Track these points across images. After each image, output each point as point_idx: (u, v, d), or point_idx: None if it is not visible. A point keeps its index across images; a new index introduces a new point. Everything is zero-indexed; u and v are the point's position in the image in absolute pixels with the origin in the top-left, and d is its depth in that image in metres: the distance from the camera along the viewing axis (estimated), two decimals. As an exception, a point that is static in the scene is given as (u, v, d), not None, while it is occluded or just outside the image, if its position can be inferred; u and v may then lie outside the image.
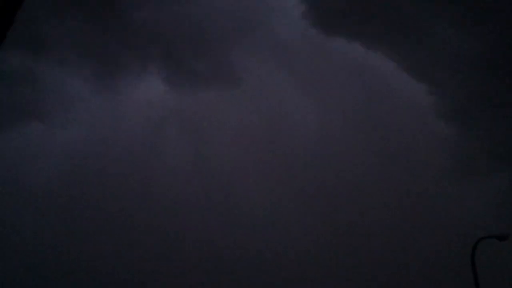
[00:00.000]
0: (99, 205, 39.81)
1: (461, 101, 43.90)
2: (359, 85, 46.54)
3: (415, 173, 42.48)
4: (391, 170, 42.48)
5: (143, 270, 36.38)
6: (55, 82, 46.36)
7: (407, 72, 44.96)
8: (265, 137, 45.50)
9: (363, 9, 43.03)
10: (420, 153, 43.71)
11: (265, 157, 45.04)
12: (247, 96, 46.51)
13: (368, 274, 35.06)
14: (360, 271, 35.67)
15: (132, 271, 36.01)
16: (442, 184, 41.28)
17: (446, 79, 44.53)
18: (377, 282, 33.85)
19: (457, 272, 27.09)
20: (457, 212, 38.51)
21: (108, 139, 44.67)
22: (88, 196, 40.49)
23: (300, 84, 48.19)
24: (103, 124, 45.86)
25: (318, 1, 44.88)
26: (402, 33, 43.79)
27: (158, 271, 36.61)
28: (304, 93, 47.63)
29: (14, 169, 41.78)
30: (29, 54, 44.80)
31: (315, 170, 43.29)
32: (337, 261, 37.45)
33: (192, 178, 43.73)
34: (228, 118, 46.57)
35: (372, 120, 45.07)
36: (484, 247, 20.64)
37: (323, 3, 44.54)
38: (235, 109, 46.66)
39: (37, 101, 45.22)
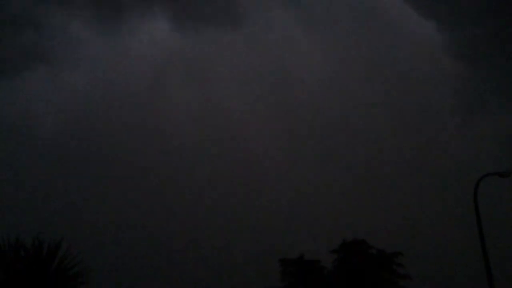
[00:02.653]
0: (105, 147, 40.05)
1: (472, 38, 43.00)
2: (366, 23, 45.54)
3: (423, 112, 42.17)
4: (399, 109, 42.15)
5: (148, 212, 36.84)
6: (59, 24, 45.90)
7: (415, 9, 43.98)
8: (271, 77, 45.03)
9: None
10: (429, 92, 43.25)
11: (272, 97, 44.81)
12: (252, 36, 45.84)
13: (374, 211, 35.38)
14: (367, 208, 36.02)
15: (137, 214, 36.43)
16: (450, 122, 41.07)
17: (457, 16, 43.52)
18: (383, 218, 34.16)
19: (460, 208, 27.27)
20: (463, 149, 38.40)
21: (113, 81, 44.50)
22: (93, 138, 40.72)
23: (305, 23, 47.25)
24: (109, 65, 45.57)
25: None
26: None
27: (166, 213, 37.01)
28: (310, 33, 46.75)
29: (21, 113, 41.94)
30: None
31: (323, 111, 43.02)
32: (347, 199, 37.70)
33: (198, 120, 43.67)
34: (234, 58, 46.05)
35: (380, 60, 44.35)
36: (488, 184, 20.64)
37: None
38: (241, 49, 46.07)
39: (42, 45, 44.94)
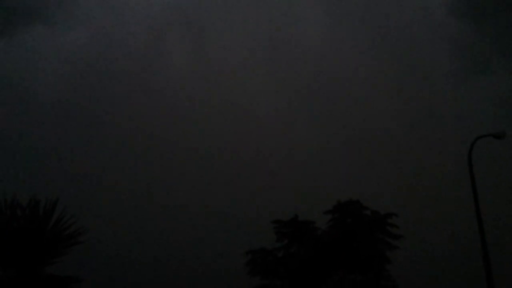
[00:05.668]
0: (103, 106, 40.08)
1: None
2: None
3: (423, 72, 41.86)
4: (397, 69, 41.85)
5: (146, 171, 37.06)
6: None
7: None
8: (270, 34, 44.59)
9: None
10: (429, 51, 42.82)
11: (270, 55, 44.53)
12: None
13: (369, 173, 35.58)
14: (362, 170, 36.20)
15: (136, 174, 36.68)
16: (450, 83, 40.82)
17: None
18: (378, 180, 34.36)
19: (454, 170, 27.36)
20: (460, 110, 38.30)
21: (111, 39, 44.14)
22: (91, 97, 40.69)
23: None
24: (106, 23, 45.08)
25: None
26: None
27: (162, 170, 37.24)
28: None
29: (20, 73, 41.73)
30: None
31: (320, 70, 42.75)
32: (342, 161, 37.84)
33: (197, 78, 43.53)
34: (232, 15, 45.52)
35: (379, 17, 43.73)
36: (483, 146, 20.59)
37: None
38: (239, 6, 45.53)
39: (39, 4, 44.47)
